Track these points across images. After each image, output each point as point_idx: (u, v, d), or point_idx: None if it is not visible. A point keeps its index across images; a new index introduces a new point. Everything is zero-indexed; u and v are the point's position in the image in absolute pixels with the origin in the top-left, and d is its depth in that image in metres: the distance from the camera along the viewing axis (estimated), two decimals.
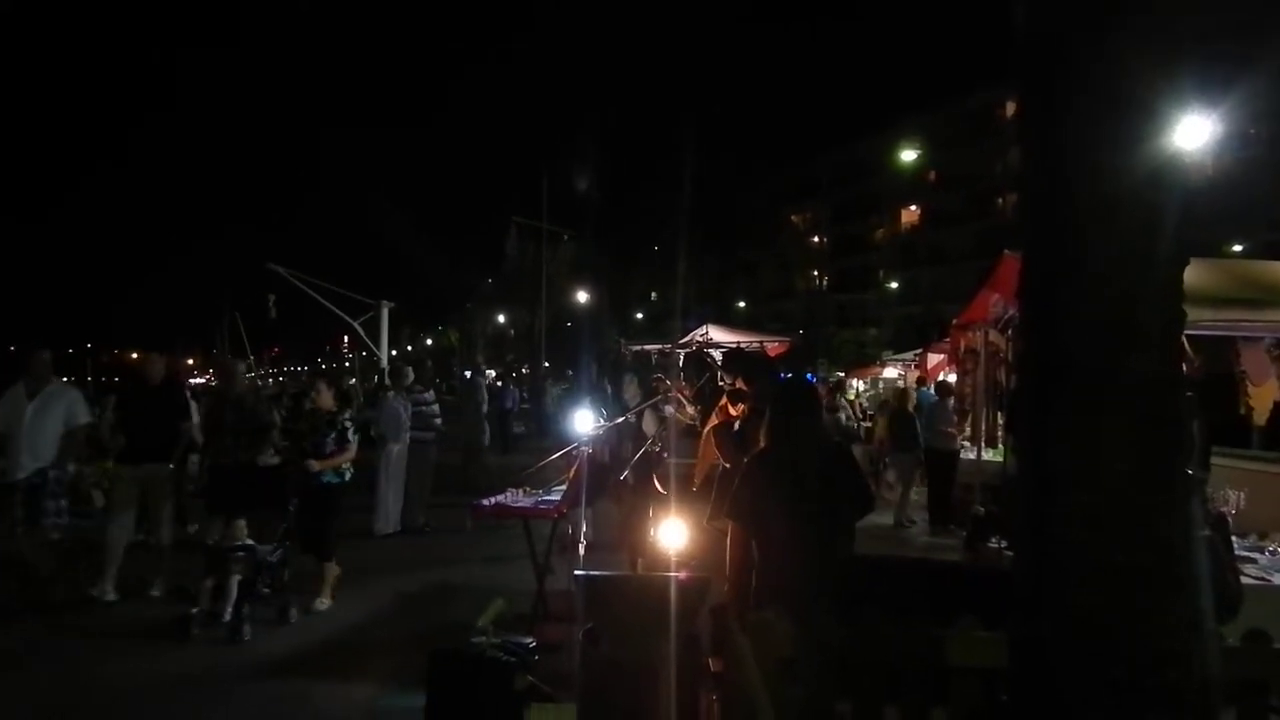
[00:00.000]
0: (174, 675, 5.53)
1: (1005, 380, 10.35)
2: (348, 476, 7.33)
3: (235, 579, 6.34)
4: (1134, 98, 2.00)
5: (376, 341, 23.15)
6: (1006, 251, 9.76)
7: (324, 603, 6.95)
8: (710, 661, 3.38)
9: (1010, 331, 9.88)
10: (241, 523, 6.70)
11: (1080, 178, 2.04)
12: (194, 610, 6.33)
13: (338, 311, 23.59)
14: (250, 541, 6.58)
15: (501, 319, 55.57)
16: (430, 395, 10.90)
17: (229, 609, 6.26)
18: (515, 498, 6.99)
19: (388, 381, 10.37)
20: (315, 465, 7.06)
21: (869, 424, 15.39)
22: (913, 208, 58.07)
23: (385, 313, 23.13)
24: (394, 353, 28.24)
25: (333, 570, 7.12)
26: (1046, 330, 2.10)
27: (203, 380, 28.31)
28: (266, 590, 6.66)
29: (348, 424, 7.38)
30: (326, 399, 7.61)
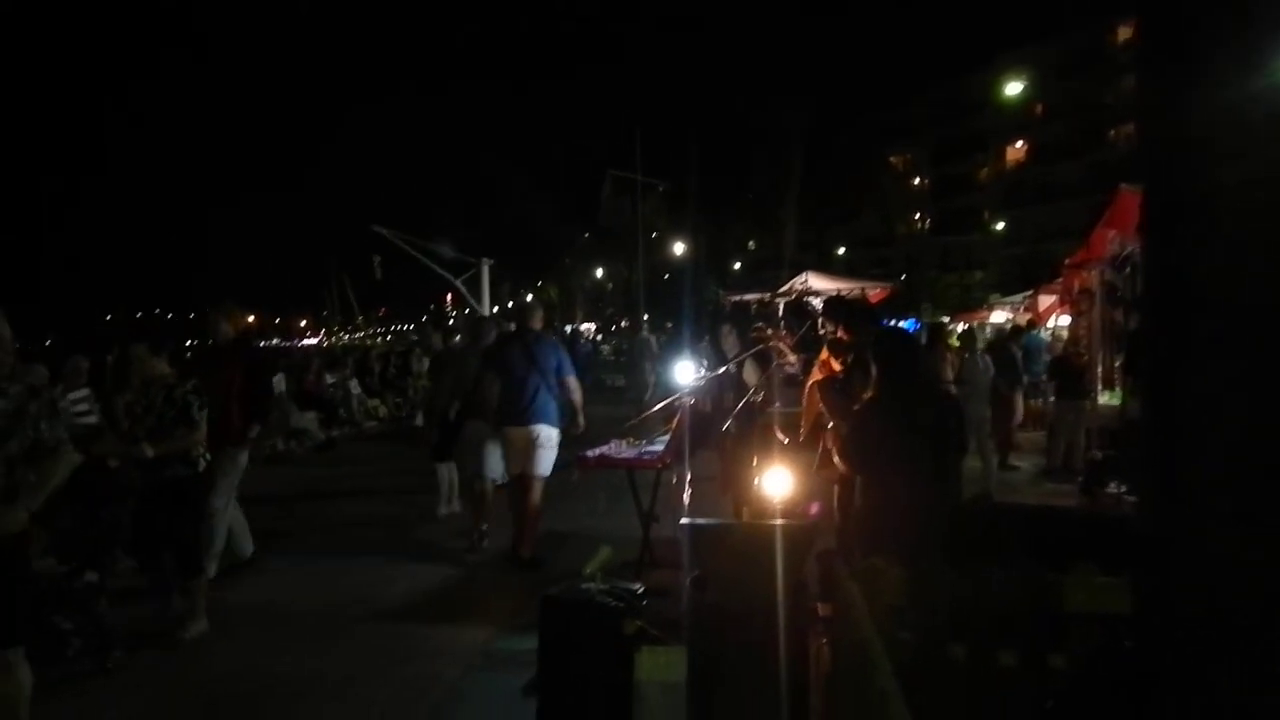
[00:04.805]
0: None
1: (1125, 321, 9.94)
2: (201, 465, 5.60)
3: None
4: (1272, 13, 1.86)
5: (478, 298, 23.58)
6: (1124, 186, 9.30)
7: (195, 628, 5.48)
8: (819, 606, 3.40)
9: (1129, 269, 9.44)
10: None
11: (1209, 101, 1.92)
12: None
13: (440, 270, 24.08)
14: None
15: (600, 273, 55.79)
16: None
17: None
18: (619, 449, 7.10)
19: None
20: (149, 450, 5.26)
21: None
22: (1018, 144, 55.60)
23: (485, 270, 23.50)
24: (495, 309, 28.70)
25: (200, 588, 5.60)
26: (1173, 267, 2.00)
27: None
28: (69, 628, 5.05)
29: (191, 397, 5.49)
30: (158, 365, 5.64)
